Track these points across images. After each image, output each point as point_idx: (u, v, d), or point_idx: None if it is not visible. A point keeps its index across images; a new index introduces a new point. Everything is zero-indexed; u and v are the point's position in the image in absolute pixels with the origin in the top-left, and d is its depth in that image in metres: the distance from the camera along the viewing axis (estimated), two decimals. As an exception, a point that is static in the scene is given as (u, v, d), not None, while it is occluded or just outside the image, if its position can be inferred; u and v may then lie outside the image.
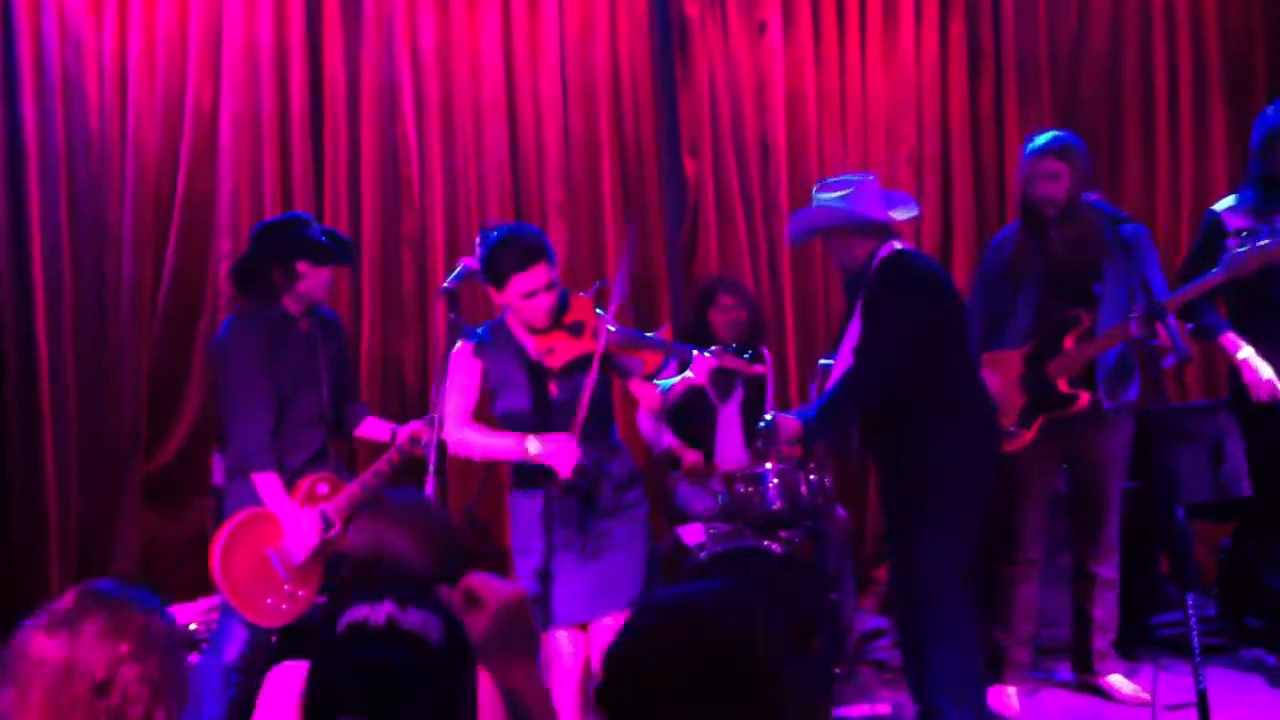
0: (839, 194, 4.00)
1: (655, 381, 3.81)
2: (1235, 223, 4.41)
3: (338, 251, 4.02)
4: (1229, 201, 4.55)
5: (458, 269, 3.60)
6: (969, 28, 6.08)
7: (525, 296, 3.56)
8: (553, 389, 3.65)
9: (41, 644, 1.84)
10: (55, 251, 5.03)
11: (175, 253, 5.19)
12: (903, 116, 6.00)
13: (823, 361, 4.43)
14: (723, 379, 4.74)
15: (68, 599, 1.91)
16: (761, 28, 5.86)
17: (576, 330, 3.63)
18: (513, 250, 3.55)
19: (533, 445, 3.55)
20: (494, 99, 5.52)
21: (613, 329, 3.61)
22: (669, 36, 5.81)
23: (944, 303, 3.93)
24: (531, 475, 3.62)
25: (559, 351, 3.61)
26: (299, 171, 5.31)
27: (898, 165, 5.97)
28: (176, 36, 5.18)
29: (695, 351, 3.68)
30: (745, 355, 3.70)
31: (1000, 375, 4.30)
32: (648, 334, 3.75)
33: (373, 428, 4.23)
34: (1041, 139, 4.34)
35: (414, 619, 1.75)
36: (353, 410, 4.25)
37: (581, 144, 5.65)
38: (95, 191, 5.12)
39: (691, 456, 5.09)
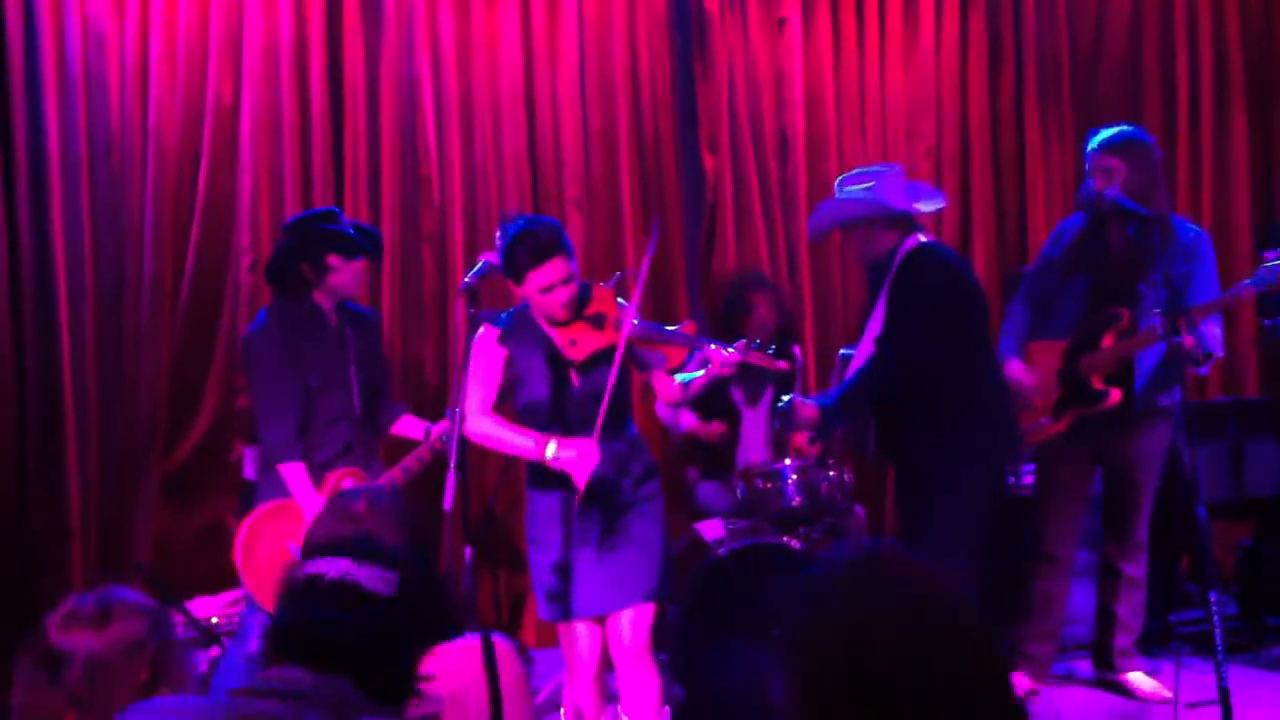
0: (863, 186, 3.99)
1: (676, 376, 3.81)
2: None
3: (367, 245, 4.03)
4: None
5: (478, 264, 3.59)
6: (989, 25, 6.07)
7: (543, 291, 3.55)
8: (574, 380, 3.65)
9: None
10: (77, 248, 5.05)
11: (196, 249, 5.21)
12: (922, 113, 6.00)
13: (843, 351, 4.43)
14: (750, 378, 4.73)
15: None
16: (781, 23, 5.86)
17: (598, 322, 3.62)
18: (529, 245, 3.53)
19: (552, 449, 3.53)
20: (513, 96, 5.53)
21: (636, 322, 3.60)
22: (688, 32, 5.81)
23: (967, 298, 3.92)
24: (548, 476, 3.62)
25: (581, 344, 3.60)
26: (319, 169, 5.32)
27: (917, 162, 5.96)
28: (197, 34, 5.20)
29: (716, 346, 3.67)
30: (769, 351, 3.68)
31: (1042, 365, 4.31)
32: (670, 328, 3.74)
33: (408, 426, 4.23)
34: (1105, 133, 4.29)
35: (366, 573, 1.79)
36: (390, 408, 4.25)
37: (600, 140, 5.66)
38: (116, 188, 5.14)
39: (714, 427, 5.05)
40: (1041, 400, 4.27)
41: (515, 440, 3.62)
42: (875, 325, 3.96)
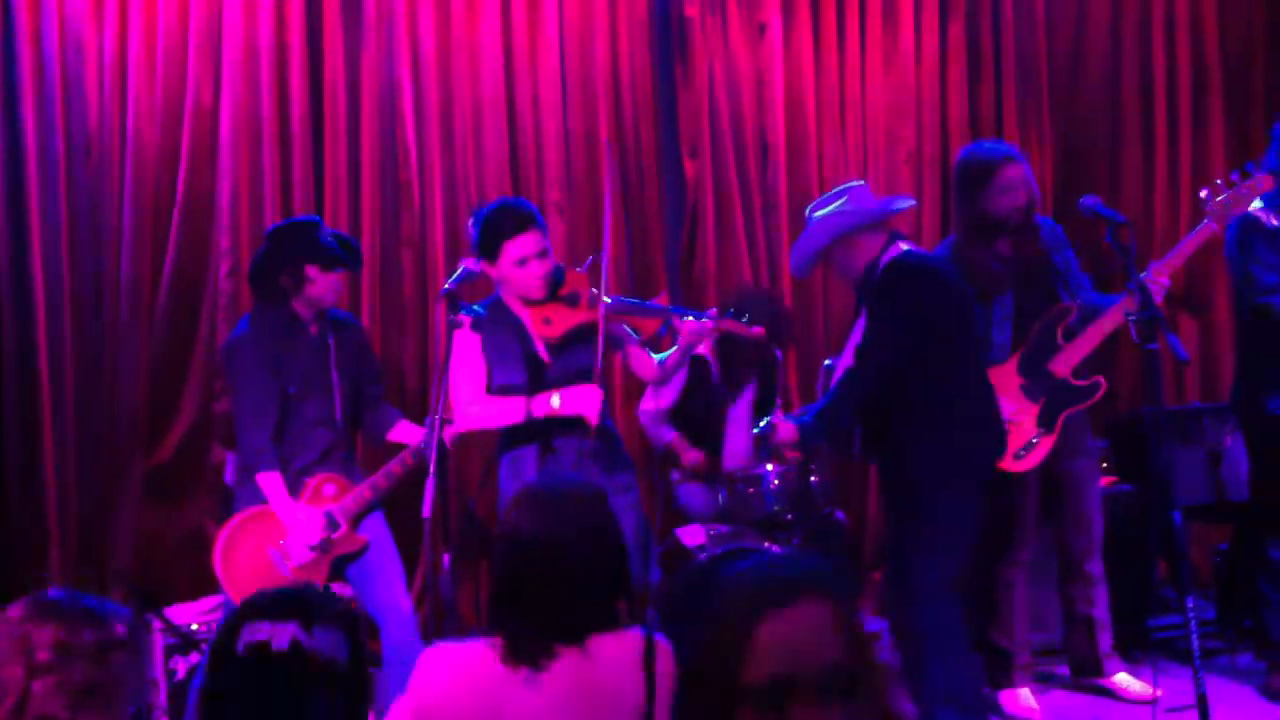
0: (835, 205, 3.99)
1: (654, 355, 3.86)
2: (1271, 222, 4.35)
3: (346, 257, 4.02)
4: (1256, 204, 4.50)
5: (458, 271, 3.62)
6: (968, 30, 6.08)
7: (518, 264, 3.60)
8: (547, 363, 3.69)
9: None
10: (55, 250, 5.02)
11: (175, 252, 5.19)
12: (902, 118, 6.01)
13: (827, 362, 4.44)
14: (731, 370, 4.75)
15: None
16: (761, 29, 5.86)
17: (572, 301, 3.68)
18: (503, 218, 3.62)
19: (557, 399, 3.59)
20: (494, 100, 5.52)
21: (608, 300, 3.64)
22: (669, 37, 5.81)
23: (949, 305, 3.91)
24: (522, 433, 3.64)
25: (556, 322, 3.65)
26: (299, 172, 5.31)
27: (897, 166, 5.98)
28: (177, 36, 5.18)
29: (691, 316, 3.72)
30: (743, 319, 3.73)
31: (1000, 391, 4.19)
32: (645, 301, 3.80)
33: (405, 432, 4.22)
34: (993, 149, 4.33)
35: (321, 641, 1.66)
36: (384, 414, 4.24)
37: (581, 145, 5.65)
38: (95, 191, 5.11)
39: (692, 455, 5.07)
40: (1024, 420, 4.23)
41: (515, 409, 3.66)
42: (857, 336, 3.96)
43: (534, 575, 2.23)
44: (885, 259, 3.91)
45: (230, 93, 5.21)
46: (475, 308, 3.77)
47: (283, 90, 5.30)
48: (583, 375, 3.64)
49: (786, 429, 3.87)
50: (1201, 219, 4.28)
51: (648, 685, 2.13)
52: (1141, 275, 4.06)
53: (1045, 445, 4.25)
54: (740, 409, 5.12)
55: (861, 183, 4.14)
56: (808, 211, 4.12)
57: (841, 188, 4.10)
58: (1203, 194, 4.23)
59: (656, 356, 3.87)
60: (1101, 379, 4.28)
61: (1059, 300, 4.30)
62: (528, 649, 2.19)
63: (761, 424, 3.91)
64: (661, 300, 3.82)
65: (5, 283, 4.98)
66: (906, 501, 3.93)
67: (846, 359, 3.99)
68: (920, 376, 3.84)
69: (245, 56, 5.24)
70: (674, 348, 3.84)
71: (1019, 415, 4.23)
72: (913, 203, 4.31)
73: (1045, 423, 4.26)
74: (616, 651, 2.20)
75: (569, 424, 3.63)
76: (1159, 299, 4.05)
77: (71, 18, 5.05)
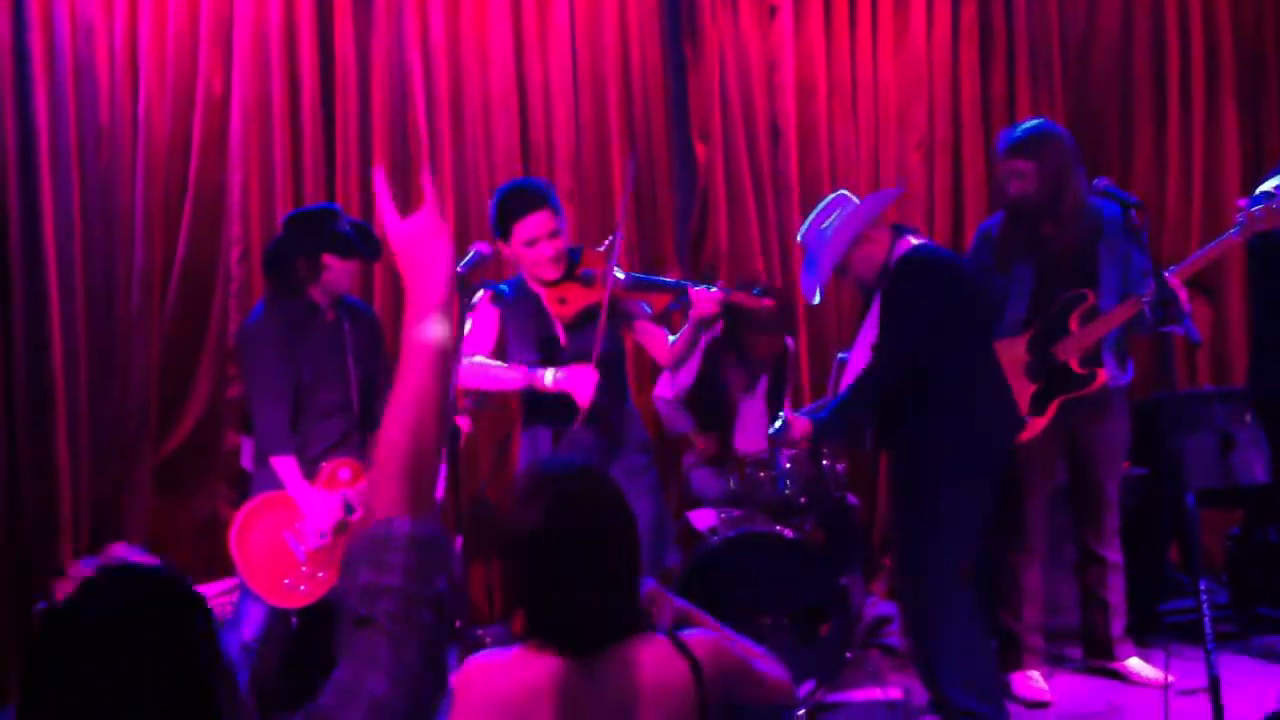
0: (834, 215, 3.97)
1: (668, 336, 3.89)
2: None
3: (364, 246, 4.04)
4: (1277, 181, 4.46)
5: (469, 254, 3.62)
6: (981, 13, 6.06)
7: (528, 244, 3.63)
8: (564, 341, 3.71)
9: None
10: (67, 238, 5.03)
11: (186, 240, 5.20)
12: (914, 102, 5.99)
13: (840, 356, 4.44)
14: (745, 365, 4.78)
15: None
16: (772, 11, 5.84)
17: (588, 281, 3.71)
18: (515, 198, 3.67)
19: (550, 374, 3.60)
20: (504, 85, 5.52)
21: (620, 276, 3.66)
22: (679, 20, 5.80)
23: (962, 297, 3.91)
24: (542, 411, 3.66)
25: (571, 301, 3.69)
26: (310, 159, 5.31)
27: (908, 151, 5.96)
28: (187, 23, 5.18)
29: (700, 287, 3.73)
30: (755, 290, 3.76)
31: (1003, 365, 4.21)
32: (657, 277, 3.83)
33: None
34: (1010, 135, 4.30)
35: None
36: (384, 399, 4.26)
37: (591, 129, 5.65)
38: (106, 178, 5.12)
39: (703, 442, 5.08)
40: (1018, 398, 4.24)
41: (509, 374, 3.69)
42: (869, 331, 3.96)
43: (575, 573, 2.06)
44: (897, 254, 3.91)
45: (241, 80, 5.21)
46: (501, 286, 3.81)
47: (293, 78, 5.30)
48: (600, 354, 3.66)
49: (800, 425, 3.87)
50: (1217, 211, 4.26)
51: (698, 688, 2.05)
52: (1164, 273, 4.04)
53: (1035, 426, 4.25)
54: (754, 397, 5.13)
55: (843, 192, 4.13)
56: (801, 235, 4.08)
57: (826, 201, 4.07)
58: (1240, 203, 4.18)
59: (670, 337, 3.89)
60: (1101, 372, 4.26)
61: (1091, 281, 4.26)
62: (581, 651, 2.04)
63: (776, 425, 3.92)
64: (672, 276, 3.85)
65: (18, 270, 4.99)
66: (917, 494, 3.93)
67: (859, 352, 4.00)
68: (934, 369, 3.84)
69: (256, 44, 5.24)
70: (685, 326, 3.85)
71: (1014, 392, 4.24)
72: (901, 191, 4.32)
73: (1037, 406, 4.27)
74: (656, 650, 2.06)
75: (570, 405, 3.64)
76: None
77: (81, 7, 5.05)
